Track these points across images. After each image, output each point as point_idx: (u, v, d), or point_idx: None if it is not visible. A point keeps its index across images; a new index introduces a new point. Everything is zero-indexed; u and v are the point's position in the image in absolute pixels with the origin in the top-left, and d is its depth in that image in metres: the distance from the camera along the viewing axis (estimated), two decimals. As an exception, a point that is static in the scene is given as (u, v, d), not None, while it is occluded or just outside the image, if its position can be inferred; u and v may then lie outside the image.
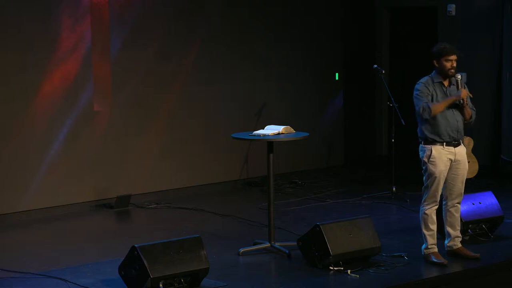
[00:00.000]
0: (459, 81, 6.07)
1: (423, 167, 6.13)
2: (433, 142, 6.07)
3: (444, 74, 6.06)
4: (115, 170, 8.61)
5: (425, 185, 6.15)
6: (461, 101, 6.05)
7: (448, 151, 6.08)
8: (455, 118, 6.10)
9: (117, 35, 8.59)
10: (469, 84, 6.17)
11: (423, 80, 6.12)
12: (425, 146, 6.11)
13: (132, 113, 8.76)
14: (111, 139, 8.60)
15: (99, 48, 8.49)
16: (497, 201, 6.98)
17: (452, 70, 6.04)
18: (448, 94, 6.09)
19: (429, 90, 6.04)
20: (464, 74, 6.19)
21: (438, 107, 5.98)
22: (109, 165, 8.57)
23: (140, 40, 8.75)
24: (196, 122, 9.26)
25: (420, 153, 6.16)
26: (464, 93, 6.04)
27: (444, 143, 6.07)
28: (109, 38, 8.54)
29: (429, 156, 6.06)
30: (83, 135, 8.41)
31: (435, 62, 6.08)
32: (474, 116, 6.16)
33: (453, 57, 6.03)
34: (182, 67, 9.11)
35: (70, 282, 5.84)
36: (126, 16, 8.64)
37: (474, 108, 6.18)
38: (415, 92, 6.07)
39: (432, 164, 6.06)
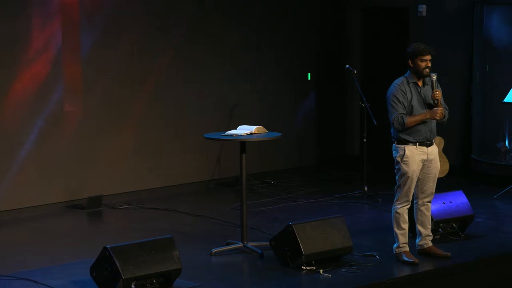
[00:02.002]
0: (434, 81, 6.11)
1: (396, 167, 6.17)
2: (406, 142, 6.11)
3: (419, 74, 6.10)
4: (86, 171, 8.55)
5: (397, 184, 6.19)
6: (436, 101, 6.09)
7: (421, 151, 6.12)
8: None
9: (88, 35, 8.53)
10: (441, 84, 6.21)
11: (398, 82, 6.13)
12: (398, 146, 6.14)
13: (104, 113, 8.71)
14: (82, 139, 8.54)
15: (70, 48, 8.43)
16: (467, 200, 7.04)
17: (427, 70, 6.08)
18: (422, 94, 6.13)
19: (405, 94, 6.05)
20: (436, 74, 6.22)
21: (412, 121, 6.02)
22: (80, 166, 8.51)
23: (112, 39, 8.70)
24: (168, 122, 9.23)
25: (393, 152, 6.19)
26: (438, 93, 6.08)
27: (417, 143, 6.11)
28: (80, 38, 8.48)
29: (402, 156, 6.10)
30: (54, 135, 8.34)
31: (409, 62, 6.11)
32: (447, 115, 6.21)
33: (428, 57, 6.07)
34: (155, 67, 9.08)
35: (40, 283, 5.79)
36: (97, 16, 8.59)
37: (447, 107, 6.22)
38: (390, 99, 6.07)
39: (405, 164, 6.10)
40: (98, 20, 8.59)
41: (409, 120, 6.02)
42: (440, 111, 6.04)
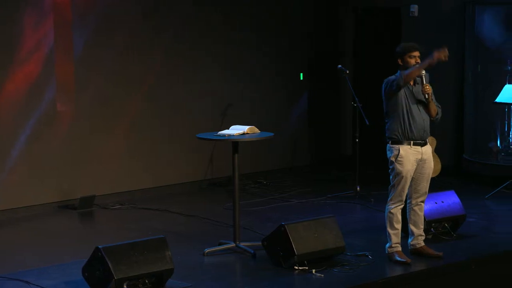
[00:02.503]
0: (423, 77, 6.12)
1: (390, 167, 6.18)
2: (401, 142, 6.12)
3: (409, 72, 6.12)
4: (78, 171, 8.54)
5: (391, 184, 6.19)
6: (427, 96, 6.11)
7: (415, 151, 6.14)
8: (422, 118, 6.16)
9: (81, 34, 8.52)
10: (432, 84, 6.22)
11: (391, 78, 6.16)
12: (393, 146, 6.15)
13: (96, 113, 8.69)
14: (75, 139, 8.53)
15: (62, 47, 8.41)
16: (459, 200, 7.06)
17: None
18: (414, 92, 6.15)
19: None
20: (428, 74, 6.24)
21: (410, 73, 5.93)
22: (73, 166, 8.49)
23: (104, 39, 8.68)
24: (160, 122, 9.22)
25: (388, 152, 6.20)
26: (428, 88, 6.09)
27: (412, 143, 6.12)
28: (73, 37, 8.47)
29: (397, 156, 6.11)
30: (46, 135, 8.32)
31: (399, 61, 6.13)
32: (440, 113, 6.23)
33: (417, 53, 6.10)
34: (147, 66, 9.06)
35: (33, 284, 5.78)
36: (89, 15, 8.57)
37: (439, 105, 6.24)
38: (387, 83, 6.06)
39: (399, 164, 6.11)
40: (91, 20, 8.57)
41: (407, 72, 5.93)
42: (442, 53, 5.93)
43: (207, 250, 6.53)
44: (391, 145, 6.17)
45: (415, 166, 6.15)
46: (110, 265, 5.41)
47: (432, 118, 6.20)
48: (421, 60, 6.08)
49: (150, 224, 7.64)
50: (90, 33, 8.57)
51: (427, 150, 6.21)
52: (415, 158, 6.13)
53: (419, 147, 6.14)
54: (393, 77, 6.11)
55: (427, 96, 6.11)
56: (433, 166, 6.28)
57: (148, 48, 9.03)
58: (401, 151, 6.10)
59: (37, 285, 5.75)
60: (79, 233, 7.66)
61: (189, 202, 8.66)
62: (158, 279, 5.65)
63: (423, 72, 6.10)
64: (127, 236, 6.77)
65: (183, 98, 9.40)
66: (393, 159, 6.13)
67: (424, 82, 6.11)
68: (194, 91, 9.50)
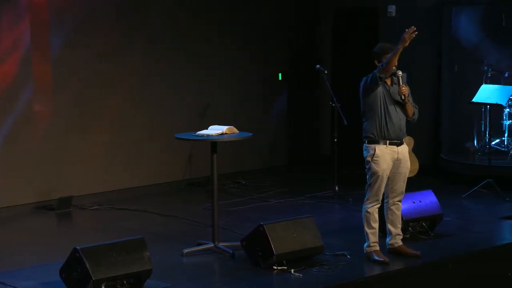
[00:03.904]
0: (400, 77, 6.16)
1: (367, 166, 6.21)
2: (377, 141, 6.15)
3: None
4: (56, 171, 8.49)
5: (368, 183, 6.22)
6: (403, 97, 6.14)
7: (391, 150, 6.17)
8: (398, 117, 6.19)
9: (58, 34, 8.47)
10: (410, 84, 6.26)
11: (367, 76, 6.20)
12: (369, 145, 6.18)
13: (74, 113, 8.65)
14: (53, 140, 8.48)
15: (39, 47, 8.36)
16: (437, 200, 7.10)
17: (394, 68, 6.12)
18: (391, 92, 6.18)
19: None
20: (405, 75, 6.27)
21: (387, 62, 5.91)
22: (51, 166, 8.44)
23: (82, 39, 8.64)
24: (139, 122, 9.19)
25: (364, 152, 6.23)
26: (405, 88, 6.13)
27: (388, 142, 6.15)
28: (49, 37, 8.42)
29: (373, 155, 6.14)
30: (24, 135, 8.27)
31: (376, 62, 6.16)
32: (416, 114, 6.27)
33: (394, 55, 6.12)
34: (125, 66, 9.04)
35: (9, 285, 5.73)
36: (66, 15, 8.53)
37: (416, 106, 6.28)
38: (363, 80, 6.08)
39: (376, 163, 6.14)
40: (68, 20, 8.53)
41: (385, 62, 5.94)
42: (410, 31, 5.95)
43: (185, 251, 6.52)
44: (367, 145, 6.20)
45: (391, 166, 6.18)
46: (88, 266, 5.38)
47: (408, 119, 6.24)
48: (398, 62, 6.11)
49: (128, 225, 7.61)
50: (67, 33, 8.52)
51: (403, 150, 6.25)
52: (391, 158, 6.17)
53: (395, 146, 6.18)
54: (370, 74, 6.13)
55: (403, 98, 6.15)
56: (409, 165, 6.32)
57: (125, 48, 9.00)
58: (377, 151, 6.13)
59: (13, 286, 5.70)
60: (57, 234, 7.62)
61: (167, 202, 8.64)
62: (136, 279, 5.63)
63: (400, 72, 6.14)
64: (105, 236, 6.74)
65: (161, 98, 9.38)
66: (369, 158, 6.16)
67: (401, 83, 6.14)
68: (172, 91, 9.48)
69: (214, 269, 6.34)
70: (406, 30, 5.96)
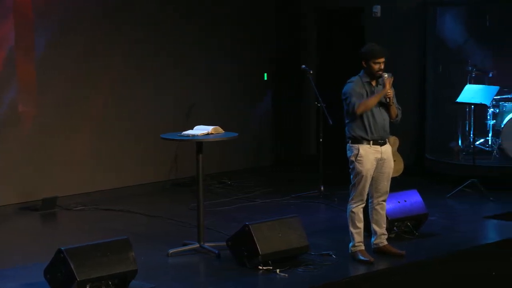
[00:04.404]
0: (386, 80, 6.17)
1: (351, 166, 6.22)
2: (361, 141, 6.16)
3: (372, 76, 6.17)
4: (41, 172, 8.45)
5: (352, 183, 6.23)
6: (388, 99, 6.16)
7: (375, 150, 6.18)
8: (382, 117, 6.21)
9: (42, 35, 8.44)
10: (394, 83, 6.27)
11: (353, 80, 6.20)
12: (353, 145, 6.20)
13: (59, 113, 8.62)
14: (37, 140, 8.44)
15: (23, 48, 8.32)
16: (421, 199, 7.12)
17: (380, 72, 6.15)
18: (376, 93, 6.19)
19: (359, 89, 6.12)
20: (390, 74, 6.29)
21: (364, 104, 6.04)
22: (35, 167, 8.40)
23: (66, 39, 8.61)
24: (124, 122, 9.17)
25: (348, 152, 6.24)
26: (390, 91, 6.15)
27: (371, 142, 6.17)
28: (34, 37, 8.38)
29: (357, 155, 6.15)
30: (8, 136, 8.22)
31: (363, 63, 6.17)
32: (400, 115, 6.29)
33: (382, 59, 6.14)
34: (110, 67, 9.01)
35: (-7, 286, 5.71)
36: (51, 16, 8.49)
37: (399, 107, 6.30)
38: (348, 92, 6.12)
39: (359, 163, 6.15)
40: (52, 20, 8.50)
41: (362, 103, 6.04)
42: (391, 90, 6.06)
43: (171, 251, 6.51)
44: (351, 145, 6.21)
45: (375, 165, 6.20)
46: (72, 266, 5.36)
47: (391, 120, 6.27)
48: (384, 64, 6.15)
49: (113, 225, 7.59)
50: (51, 34, 8.49)
51: (387, 150, 6.27)
52: (375, 157, 6.18)
53: (378, 146, 6.19)
54: (349, 89, 6.09)
55: (388, 100, 6.16)
56: (393, 165, 6.34)
57: (110, 49, 8.97)
58: (361, 151, 6.15)
59: (-2, 288, 5.68)
60: (41, 235, 7.58)
61: (152, 203, 8.62)
62: (121, 280, 5.61)
63: (386, 75, 6.15)
64: (90, 237, 6.71)
65: (146, 99, 9.36)
66: (353, 158, 6.18)
67: (387, 86, 6.15)
68: (157, 91, 9.46)
69: (199, 269, 6.33)
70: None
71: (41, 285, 5.61)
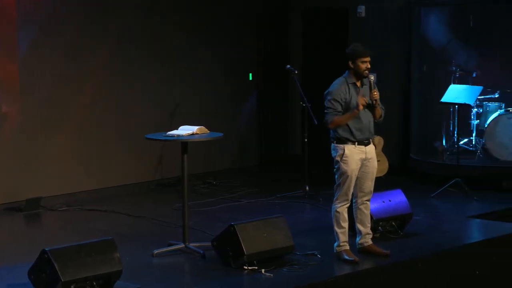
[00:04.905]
0: (371, 82, 6.20)
1: (336, 166, 6.23)
2: (346, 142, 6.18)
3: (358, 75, 6.18)
4: (24, 172, 8.41)
5: (337, 183, 6.25)
6: (374, 101, 6.18)
7: (360, 150, 6.20)
8: (367, 119, 6.23)
9: (26, 35, 8.39)
10: (379, 84, 6.31)
11: (338, 82, 6.21)
12: (338, 145, 6.21)
13: (43, 114, 8.57)
14: (21, 141, 8.39)
15: (6, 48, 8.27)
16: (406, 199, 7.15)
17: (367, 72, 6.17)
18: (361, 95, 6.21)
19: (344, 95, 6.13)
20: (375, 74, 6.32)
21: (338, 122, 6.10)
22: (18, 167, 8.36)
23: (50, 39, 8.57)
24: (109, 122, 9.14)
25: (333, 152, 6.25)
26: (376, 93, 6.17)
27: (356, 142, 6.19)
28: (17, 37, 8.33)
29: (342, 155, 6.16)
30: (-9, 136, 8.18)
31: (350, 63, 6.18)
32: (383, 115, 6.32)
33: (368, 58, 6.16)
34: (94, 67, 8.98)
35: (-23, 288, 5.67)
36: (34, 16, 8.45)
37: (383, 107, 6.33)
38: (328, 98, 6.15)
39: (345, 163, 6.16)
40: (36, 20, 8.45)
41: (337, 120, 6.10)
42: (361, 101, 6.10)
43: (156, 251, 6.49)
44: (336, 145, 6.23)
45: (359, 165, 6.22)
46: (57, 267, 5.33)
47: (375, 120, 6.29)
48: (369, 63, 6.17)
49: (98, 226, 7.56)
50: (35, 34, 8.45)
51: (371, 150, 6.29)
52: (360, 158, 6.20)
53: (363, 146, 6.22)
54: (332, 95, 6.11)
55: (374, 102, 6.19)
56: (376, 165, 6.36)
57: (94, 49, 8.94)
58: (346, 151, 6.16)
59: (-19, 289, 5.64)
60: (25, 235, 7.54)
61: (137, 203, 8.60)
62: (106, 281, 5.60)
63: (372, 77, 6.18)
64: (74, 238, 6.69)
65: (131, 99, 9.33)
66: (338, 158, 6.19)
67: (372, 88, 6.18)
68: (142, 91, 9.44)
69: (184, 270, 6.32)
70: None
71: (25, 286, 5.58)
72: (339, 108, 6.12)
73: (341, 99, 6.12)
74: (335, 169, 6.25)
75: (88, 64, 8.92)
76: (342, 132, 6.17)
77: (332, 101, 6.13)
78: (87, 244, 5.62)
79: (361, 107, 6.08)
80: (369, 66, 6.17)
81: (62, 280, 5.33)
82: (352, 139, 6.17)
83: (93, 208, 8.28)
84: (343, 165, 6.17)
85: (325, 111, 6.19)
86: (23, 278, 5.60)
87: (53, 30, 8.59)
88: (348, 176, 6.17)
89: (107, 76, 9.10)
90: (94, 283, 5.52)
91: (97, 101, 9.03)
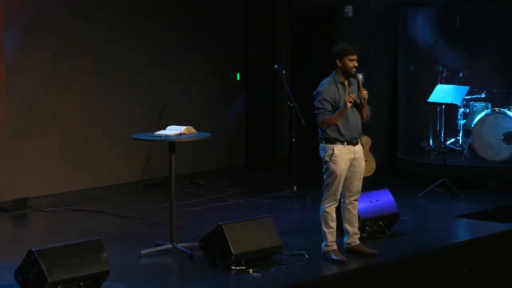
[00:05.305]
0: (359, 80, 6.21)
1: (324, 166, 6.24)
2: (335, 142, 6.18)
3: (346, 74, 6.20)
4: (11, 172, 8.37)
5: (325, 183, 6.25)
6: (362, 100, 6.20)
7: (349, 150, 6.21)
8: (356, 118, 6.25)
9: (12, 35, 8.35)
10: (367, 83, 6.33)
11: (326, 82, 6.22)
12: (327, 145, 6.21)
13: (30, 114, 8.54)
14: (8, 141, 8.36)
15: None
16: (393, 199, 7.17)
17: (354, 70, 6.18)
18: (349, 93, 6.22)
19: (333, 95, 6.15)
20: (363, 74, 6.33)
21: (329, 121, 6.11)
22: (5, 167, 8.32)
23: (37, 40, 8.54)
24: (96, 123, 9.11)
25: (321, 152, 6.26)
26: (365, 93, 6.18)
27: (345, 142, 6.20)
28: (3, 37, 8.29)
29: (331, 155, 6.17)
30: (-23, 136, 8.14)
31: (337, 62, 6.19)
32: (370, 115, 6.34)
33: (355, 56, 6.18)
34: (81, 67, 8.95)
35: (-37, 289, 5.64)
36: (21, 16, 8.41)
37: (369, 107, 6.35)
38: (318, 98, 6.16)
39: (334, 163, 6.17)
40: (22, 21, 8.41)
41: (327, 119, 6.10)
42: (348, 98, 6.11)
43: (143, 252, 6.48)
44: (324, 145, 6.23)
45: (348, 165, 6.23)
46: (44, 268, 5.31)
47: (363, 120, 6.31)
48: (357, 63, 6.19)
49: (85, 226, 7.54)
50: (21, 34, 8.41)
51: (359, 149, 6.31)
52: (348, 158, 6.21)
53: (352, 146, 6.23)
54: (322, 95, 6.12)
55: (362, 101, 6.20)
56: (364, 164, 6.38)
57: (81, 49, 8.92)
58: (335, 151, 6.17)
59: (-32, 290, 5.61)
60: (12, 236, 7.51)
61: (125, 203, 8.58)
62: (93, 281, 5.58)
63: (360, 76, 6.19)
64: (62, 238, 6.67)
65: (118, 99, 9.31)
66: (327, 158, 6.20)
67: (361, 87, 6.20)
68: (129, 92, 9.42)
69: (172, 270, 6.31)
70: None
71: (12, 287, 5.56)
72: (329, 108, 6.14)
73: (331, 99, 6.14)
74: (323, 169, 6.25)
75: (75, 64, 8.89)
76: (331, 132, 6.18)
77: (322, 101, 6.14)
78: (74, 244, 5.61)
79: (349, 105, 6.08)
80: (356, 64, 6.18)
81: (49, 281, 5.31)
82: (341, 139, 6.18)
83: (80, 208, 8.25)
84: (332, 165, 6.18)
85: (316, 111, 6.19)
86: (10, 279, 5.58)
87: (40, 30, 8.56)
88: (337, 176, 6.18)
89: (94, 77, 9.07)
90: (82, 284, 5.50)
91: (84, 102, 9.00)
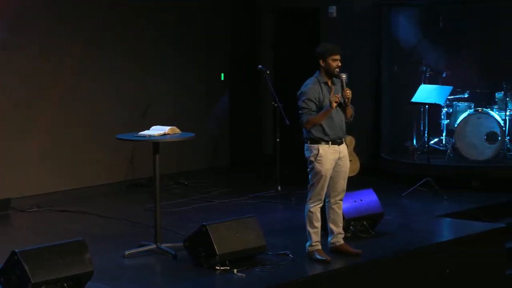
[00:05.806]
0: (343, 80, 6.22)
1: (309, 166, 6.24)
2: (319, 142, 6.19)
3: (330, 74, 6.20)
4: (-6, 173, 8.32)
5: (310, 183, 6.25)
6: (346, 99, 6.21)
7: (334, 150, 6.22)
8: (340, 117, 6.26)
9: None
10: (350, 83, 6.33)
11: (310, 82, 6.23)
12: (312, 145, 6.22)
13: (12, 114, 8.49)
14: (-10, 141, 8.31)
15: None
16: (377, 199, 7.19)
17: (338, 69, 6.19)
18: (333, 93, 6.23)
19: (317, 95, 6.15)
20: (346, 74, 6.34)
21: (314, 121, 6.12)
22: (-12, 168, 8.27)
23: (19, 40, 8.49)
24: (79, 123, 9.07)
25: (306, 152, 6.26)
26: (349, 92, 6.19)
27: (330, 142, 6.21)
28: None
29: (316, 155, 6.17)
30: (-41, 137, 8.08)
31: (321, 62, 6.20)
32: (353, 114, 6.36)
33: (338, 56, 6.19)
34: (64, 67, 8.91)
35: None
36: (3, 17, 8.36)
37: (352, 107, 6.36)
38: (302, 98, 6.16)
39: (319, 163, 6.18)
40: (4, 21, 8.36)
41: (312, 119, 6.12)
42: (334, 98, 6.12)
43: (127, 252, 6.46)
44: (309, 145, 6.24)
45: (333, 165, 6.24)
46: (27, 269, 5.28)
47: (346, 120, 6.33)
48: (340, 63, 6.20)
49: (69, 227, 7.51)
50: (3, 34, 8.36)
51: (344, 149, 6.32)
52: (334, 157, 6.22)
53: (336, 146, 6.24)
54: (310, 84, 6.14)
55: (346, 101, 6.21)
56: (349, 164, 6.39)
57: (63, 49, 8.88)
58: (320, 151, 6.18)
59: (-50, 292, 5.57)
60: (-5, 237, 7.46)
61: (108, 204, 8.55)
62: (77, 282, 5.56)
63: (344, 75, 6.20)
64: (45, 239, 6.64)
65: (101, 99, 9.27)
66: (312, 158, 6.20)
67: (344, 87, 6.20)
68: (112, 91, 9.39)
69: (156, 270, 6.30)
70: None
71: (-5, 288, 5.53)
72: (314, 108, 6.15)
73: (315, 99, 6.14)
74: (308, 169, 6.26)
75: (57, 64, 8.85)
76: (315, 132, 6.19)
77: (307, 101, 6.15)
78: (58, 245, 5.58)
79: (334, 105, 6.09)
80: (340, 64, 6.19)
81: (32, 282, 5.28)
82: (326, 138, 6.19)
83: (64, 209, 8.21)
84: (317, 165, 6.18)
85: (300, 111, 6.19)
86: (-7, 280, 5.55)
87: (21, 30, 8.51)
88: (322, 176, 6.18)
89: (76, 77, 9.03)
90: (65, 285, 5.48)
91: (67, 102, 8.96)
